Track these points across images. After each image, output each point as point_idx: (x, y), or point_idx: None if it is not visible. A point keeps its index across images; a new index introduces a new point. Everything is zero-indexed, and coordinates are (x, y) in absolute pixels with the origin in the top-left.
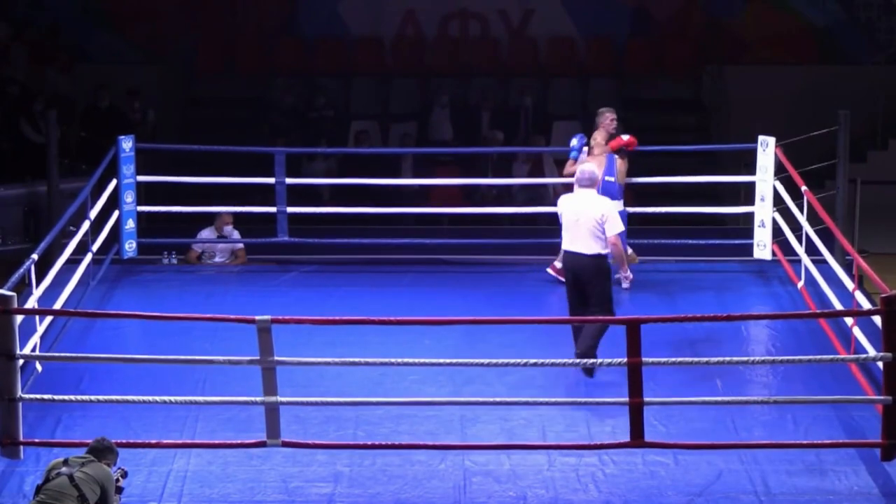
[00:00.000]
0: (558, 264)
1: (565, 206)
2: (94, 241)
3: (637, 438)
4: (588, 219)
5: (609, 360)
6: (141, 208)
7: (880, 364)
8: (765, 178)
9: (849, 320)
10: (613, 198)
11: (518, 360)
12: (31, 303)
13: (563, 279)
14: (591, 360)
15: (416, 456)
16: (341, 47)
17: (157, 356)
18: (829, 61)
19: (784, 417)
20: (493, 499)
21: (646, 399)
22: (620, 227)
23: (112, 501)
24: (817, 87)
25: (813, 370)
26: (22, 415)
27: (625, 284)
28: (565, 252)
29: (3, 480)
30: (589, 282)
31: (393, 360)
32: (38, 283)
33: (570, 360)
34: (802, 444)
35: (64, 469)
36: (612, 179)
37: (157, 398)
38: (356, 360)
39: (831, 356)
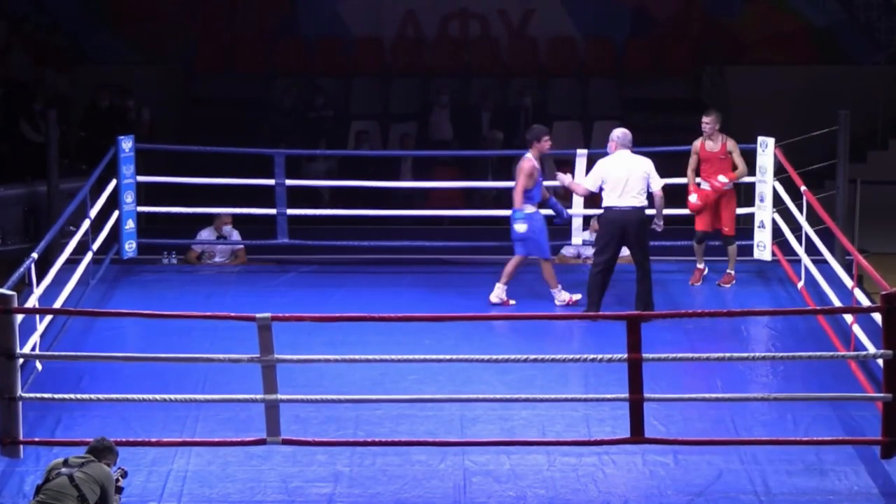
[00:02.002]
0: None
1: (610, 166)
2: (93, 241)
3: (637, 435)
4: (637, 176)
5: (609, 357)
6: (141, 209)
7: (880, 362)
8: (764, 179)
9: (849, 318)
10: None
11: (518, 356)
12: (32, 302)
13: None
14: (593, 356)
15: (416, 456)
16: (341, 47)
17: (157, 354)
18: (829, 61)
19: (784, 416)
20: (493, 499)
21: (646, 395)
22: (662, 181)
23: (112, 501)
24: (817, 87)
25: (813, 368)
26: (22, 414)
27: (658, 229)
28: (613, 208)
29: (3, 480)
30: (636, 232)
31: (393, 356)
32: (38, 283)
33: (571, 357)
34: (802, 440)
35: (64, 469)
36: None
37: (157, 397)
38: (356, 356)
39: (831, 353)
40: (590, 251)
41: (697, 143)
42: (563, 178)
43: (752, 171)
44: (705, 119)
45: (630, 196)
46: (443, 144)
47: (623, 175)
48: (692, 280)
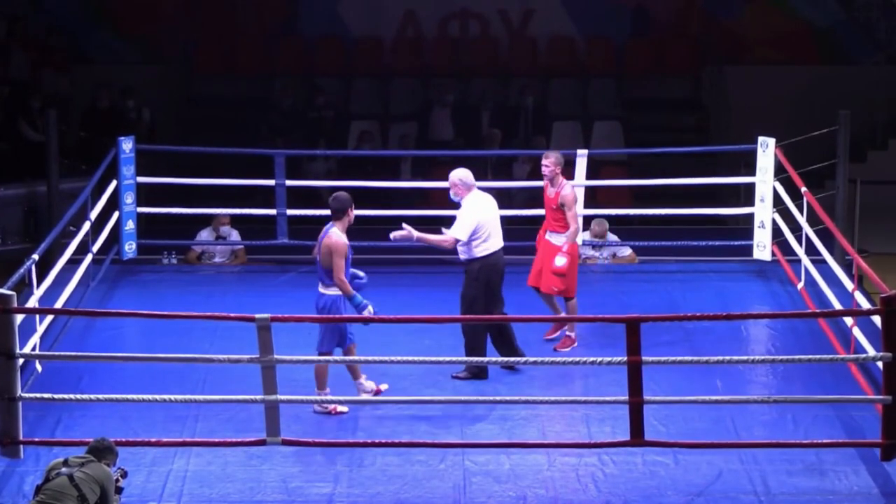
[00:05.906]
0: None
1: (482, 210)
2: (94, 242)
3: (637, 437)
4: (497, 212)
5: (609, 359)
6: (141, 209)
7: (880, 364)
8: (764, 179)
9: (848, 320)
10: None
11: (518, 358)
12: (32, 303)
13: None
14: (593, 359)
15: (416, 456)
16: (341, 47)
17: (157, 354)
18: (829, 61)
19: (784, 417)
20: (493, 499)
21: (646, 398)
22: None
23: (112, 501)
24: (817, 87)
25: (813, 370)
26: (22, 414)
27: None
28: (489, 256)
29: (3, 480)
30: (503, 273)
31: (393, 358)
32: (38, 284)
33: (571, 359)
34: (802, 443)
35: (64, 469)
36: None
37: (157, 397)
38: (356, 357)
39: (831, 356)
40: (590, 251)
41: (543, 183)
42: (409, 233)
43: (752, 172)
44: (543, 161)
45: (499, 236)
46: (443, 144)
47: (493, 215)
48: (547, 333)
